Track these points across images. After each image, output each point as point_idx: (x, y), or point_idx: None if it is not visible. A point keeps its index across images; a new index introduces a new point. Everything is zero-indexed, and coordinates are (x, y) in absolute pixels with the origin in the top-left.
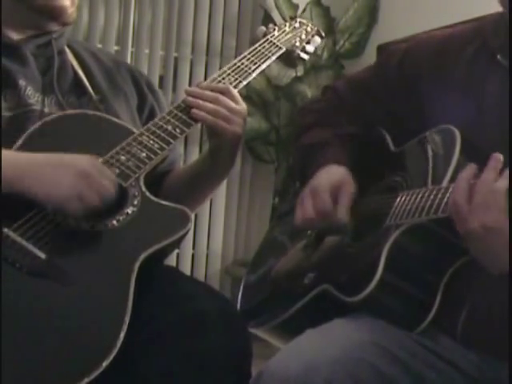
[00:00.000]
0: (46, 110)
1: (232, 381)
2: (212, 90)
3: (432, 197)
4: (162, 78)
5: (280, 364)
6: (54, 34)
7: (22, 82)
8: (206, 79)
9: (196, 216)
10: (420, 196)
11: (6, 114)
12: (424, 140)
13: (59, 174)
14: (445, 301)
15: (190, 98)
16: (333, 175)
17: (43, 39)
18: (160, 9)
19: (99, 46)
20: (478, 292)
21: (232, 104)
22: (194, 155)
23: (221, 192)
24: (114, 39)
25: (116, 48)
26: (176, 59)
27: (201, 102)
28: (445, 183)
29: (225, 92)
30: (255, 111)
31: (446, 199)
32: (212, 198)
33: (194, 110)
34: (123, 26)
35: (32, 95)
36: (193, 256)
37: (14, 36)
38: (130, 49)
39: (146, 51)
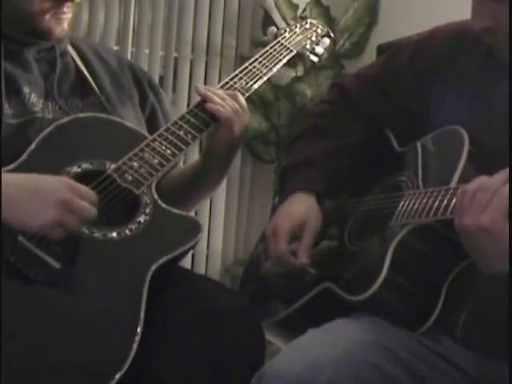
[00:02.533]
0: (50, 115)
1: (246, 377)
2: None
3: (440, 197)
4: (162, 78)
5: (283, 364)
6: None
7: (26, 89)
8: (206, 79)
9: (196, 216)
10: (427, 196)
11: (11, 121)
12: (430, 140)
13: (37, 204)
14: (446, 301)
15: (204, 91)
16: (295, 211)
17: (45, 44)
18: (160, 9)
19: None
20: (478, 293)
21: (238, 107)
22: (194, 155)
23: (221, 192)
24: (114, 39)
25: (116, 48)
26: (176, 59)
27: (213, 96)
28: (452, 184)
29: (233, 97)
30: (255, 111)
31: (454, 200)
32: (212, 197)
33: (209, 104)
34: (123, 26)
35: (36, 102)
36: (193, 256)
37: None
38: (130, 49)
39: (146, 51)
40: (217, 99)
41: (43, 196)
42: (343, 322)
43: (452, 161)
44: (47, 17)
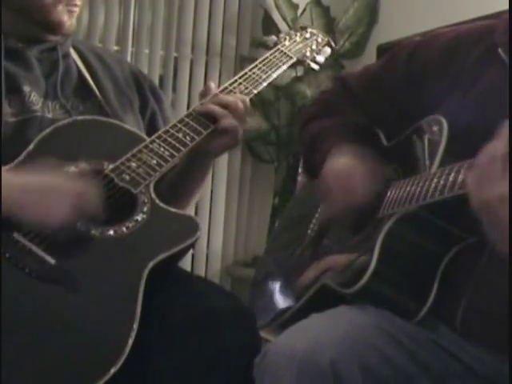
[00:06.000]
0: (50, 115)
1: (242, 378)
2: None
3: (421, 184)
4: (162, 78)
5: (285, 343)
6: (60, 39)
7: (26, 88)
8: (205, 79)
9: (196, 216)
10: (410, 184)
11: (10, 119)
12: (414, 131)
13: (50, 201)
14: (444, 291)
15: (215, 107)
16: (348, 153)
17: (48, 44)
18: (160, 9)
19: (99, 46)
20: (477, 282)
21: (244, 114)
22: None
23: (221, 192)
24: (114, 39)
25: (116, 48)
26: (176, 59)
27: (227, 114)
28: (433, 170)
29: (243, 102)
30: (255, 111)
31: (433, 185)
32: (212, 197)
33: (225, 121)
34: (123, 26)
35: (36, 101)
36: (193, 256)
37: (17, 43)
38: (130, 49)
39: (146, 51)
40: (230, 118)
41: (54, 192)
42: (346, 308)
43: (433, 148)
44: (60, 8)
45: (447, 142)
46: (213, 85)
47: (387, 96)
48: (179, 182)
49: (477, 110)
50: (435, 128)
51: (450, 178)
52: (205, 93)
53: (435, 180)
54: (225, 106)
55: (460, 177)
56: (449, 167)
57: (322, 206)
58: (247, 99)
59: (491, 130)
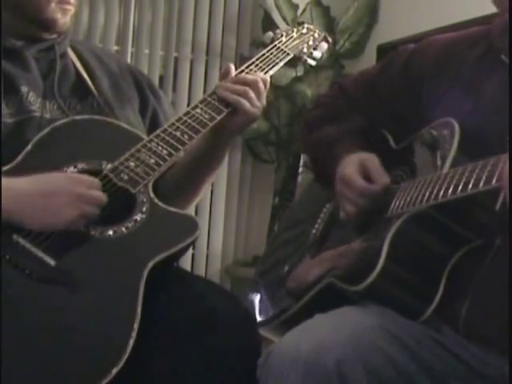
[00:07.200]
0: (48, 115)
1: (242, 377)
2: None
3: (433, 184)
4: (162, 78)
5: (290, 344)
6: (57, 39)
7: (24, 88)
8: (206, 79)
9: (196, 216)
10: (421, 185)
11: (8, 120)
12: (424, 133)
13: (55, 203)
14: (448, 291)
15: (235, 97)
16: (353, 159)
17: (45, 44)
18: (160, 9)
19: (98, 45)
20: (481, 284)
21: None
22: None
23: (221, 192)
24: (114, 39)
25: (116, 48)
26: (176, 59)
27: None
28: (445, 171)
29: (264, 82)
30: None
31: (445, 185)
32: (212, 198)
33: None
34: (123, 26)
35: (34, 101)
36: (193, 256)
37: (15, 42)
38: (130, 49)
39: (146, 51)
40: (245, 102)
41: (58, 195)
42: (351, 309)
43: (444, 151)
44: (52, 5)
45: (459, 144)
46: (233, 67)
47: (385, 102)
48: (198, 161)
49: (486, 113)
50: (446, 130)
51: (464, 178)
52: (225, 74)
53: (448, 180)
54: (245, 83)
55: (474, 176)
56: (461, 167)
57: (339, 206)
58: (267, 77)
59: (502, 131)
